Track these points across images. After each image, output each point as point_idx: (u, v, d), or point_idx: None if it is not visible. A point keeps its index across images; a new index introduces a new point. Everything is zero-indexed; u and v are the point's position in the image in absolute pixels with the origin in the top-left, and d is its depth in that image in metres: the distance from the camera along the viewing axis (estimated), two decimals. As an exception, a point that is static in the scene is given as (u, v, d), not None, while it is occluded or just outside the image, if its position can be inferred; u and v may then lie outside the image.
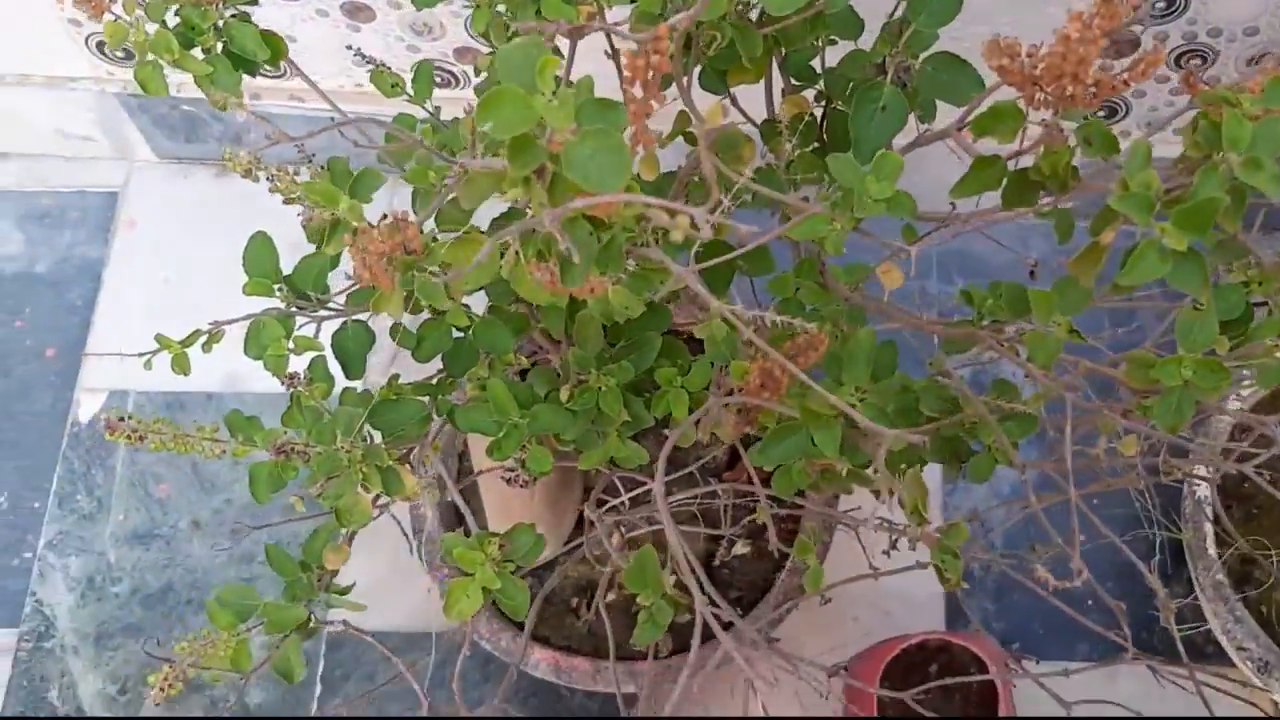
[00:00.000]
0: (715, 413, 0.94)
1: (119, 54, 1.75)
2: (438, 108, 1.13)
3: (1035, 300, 0.79)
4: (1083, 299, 0.79)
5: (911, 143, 0.91)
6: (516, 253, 0.77)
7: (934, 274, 1.87)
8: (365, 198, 0.82)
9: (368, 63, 1.09)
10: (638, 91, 0.65)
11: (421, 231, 0.77)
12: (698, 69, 0.94)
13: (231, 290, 1.82)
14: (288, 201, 0.97)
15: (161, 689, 0.77)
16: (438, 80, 1.75)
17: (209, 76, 0.92)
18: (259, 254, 0.94)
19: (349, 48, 1.13)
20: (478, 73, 1.10)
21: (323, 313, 0.97)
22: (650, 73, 0.64)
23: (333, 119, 1.37)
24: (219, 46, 0.93)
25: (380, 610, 1.25)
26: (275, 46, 0.96)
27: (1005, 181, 0.78)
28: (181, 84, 1.63)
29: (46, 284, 1.82)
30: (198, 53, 0.93)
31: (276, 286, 0.96)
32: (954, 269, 1.87)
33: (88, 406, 1.74)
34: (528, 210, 0.70)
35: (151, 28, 0.92)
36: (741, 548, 1.54)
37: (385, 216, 0.74)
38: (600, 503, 1.29)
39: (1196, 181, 0.64)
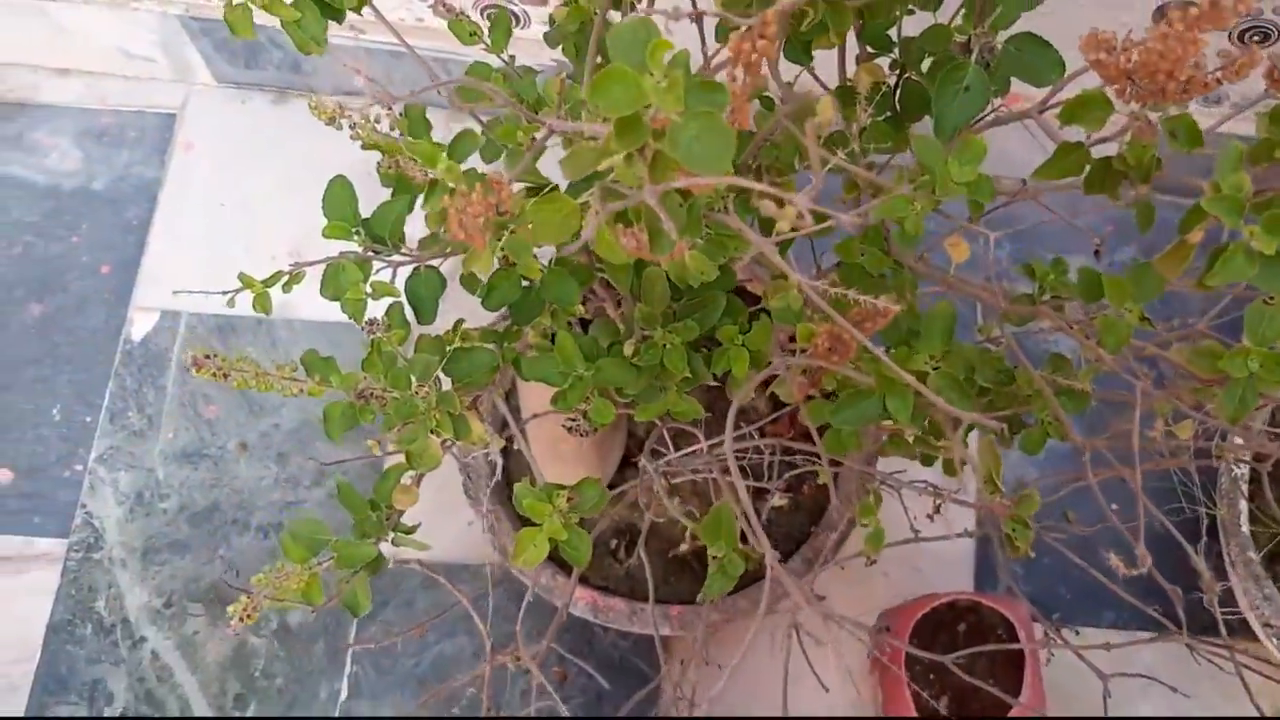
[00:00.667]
0: (782, 373, 0.96)
1: (184, -23, 1.76)
2: (512, 56, 1.14)
3: (1110, 287, 0.80)
4: (1156, 286, 0.80)
5: (990, 121, 0.92)
6: (598, 213, 0.79)
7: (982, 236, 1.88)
8: (463, 158, 0.83)
9: (447, 10, 1.10)
10: (739, 73, 0.66)
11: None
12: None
13: (285, 218, 1.85)
14: (367, 148, 0.98)
15: (241, 619, 0.80)
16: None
17: (296, 22, 0.93)
18: (338, 198, 0.95)
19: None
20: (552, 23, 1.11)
21: (397, 258, 0.99)
22: (754, 56, 0.65)
23: (393, 51, 1.37)
24: (308, -9, 0.94)
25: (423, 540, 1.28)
26: (362, -7, 0.97)
27: (1088, 168, 0.79)
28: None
29: (103, 201, 1.84)
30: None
31: (354, 230, 0.97)
32: (1003, 231, 1.87)
33: (141, 325, 1.77)
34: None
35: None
36: (779, 499, 1.57)
37: (482, 177, 0.75)
38: (653, 454, 1.32)
39: (1287, 186, 0.65)
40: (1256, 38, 1.59)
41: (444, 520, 1.58)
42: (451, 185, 0.77)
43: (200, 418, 1.71)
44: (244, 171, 1.85)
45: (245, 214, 1.83)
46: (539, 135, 0.85)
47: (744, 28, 0.65)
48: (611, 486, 1.53)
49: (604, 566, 1.50)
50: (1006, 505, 0.88)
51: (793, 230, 0.63)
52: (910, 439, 0.93)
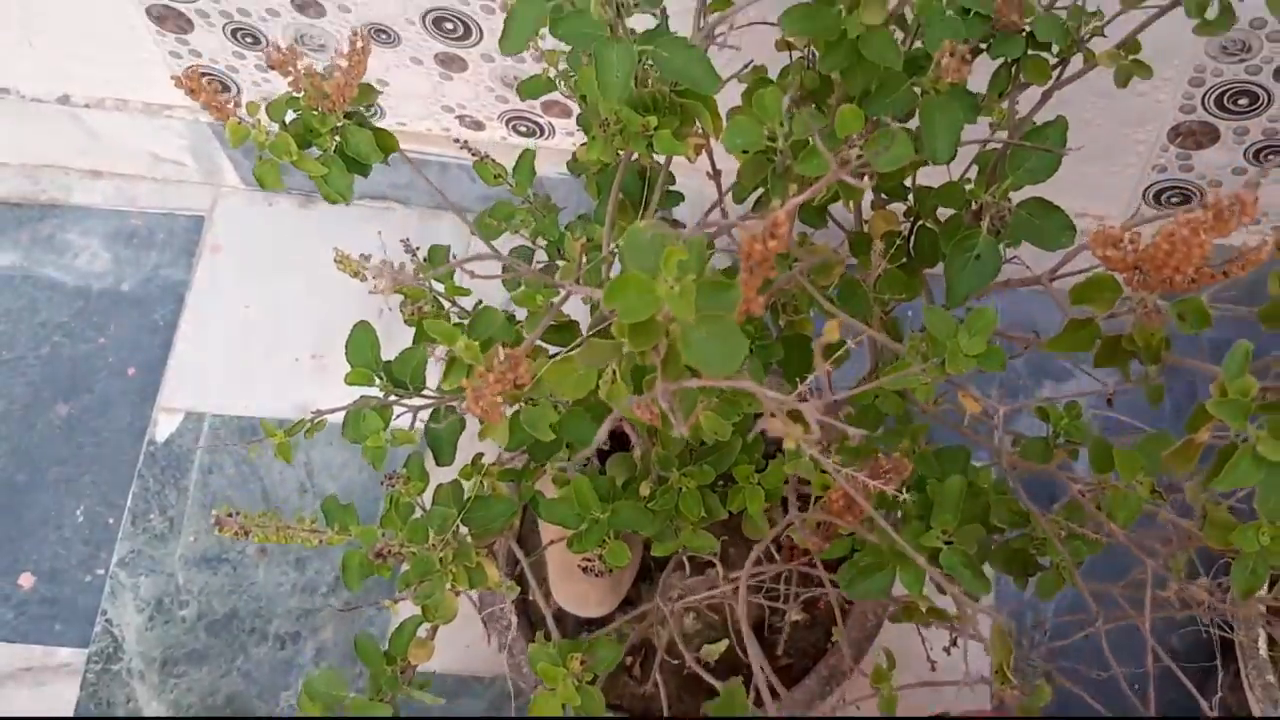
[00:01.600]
0: (796, 525, 0.97)
1: (214, 87, 1.79)
2: (541, 195, 1.15)
3: (1121, 461, 0.81)
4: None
5: (1002, 283, 0.93)
6: (613, 378, 0.80)
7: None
8: (482, 336, 0.85)
9: (472, 153, 1.12)
10: (751, 270, 0.68)
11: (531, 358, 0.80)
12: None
13: (309, 319, 1.87)
14: (389, 294, 1.00)
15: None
16: (523, 130, 1.78)
17: (324, 178, 0.95)
18: (361, 344, 0.97)
19: (456, 141, 1.18)
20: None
21: (418, 400, 1.00)
22: (766, 255, 0.67)
23: (466, 143, 1.40)
24: (333, 147, 0.96)
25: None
26: (388, 145, 0.99)
27: (1098, 344, 0.81)
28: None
29: (131, 302, 1.87)
30: (313, 152, 0.97)
31: (377, 375, 0.99)
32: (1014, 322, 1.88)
33: (165, 426, 1.79)
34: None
35: (273, 127, 0.96)
36: (795, 614, 1.57)
37: (500, 354, 0.77)
38: (673, 572, 1.33)
39: (1291, 392, 0.66)
40: (1272, 155, 1.60)
41: (457, 631, 1.59)
42: (470, 363, 0.79)
43: (221, 522, 1.72)
44: (270, 273, 1.88)
45: (270, 316, 1.85)
46: (556, 301, 0.87)
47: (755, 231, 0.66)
48: (628, 600, 1.53)
49: (619, 685, 1.50)
50: (1018, 695, 0.89)
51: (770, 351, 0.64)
52: (924, 609, 0.93)
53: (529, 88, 1.09)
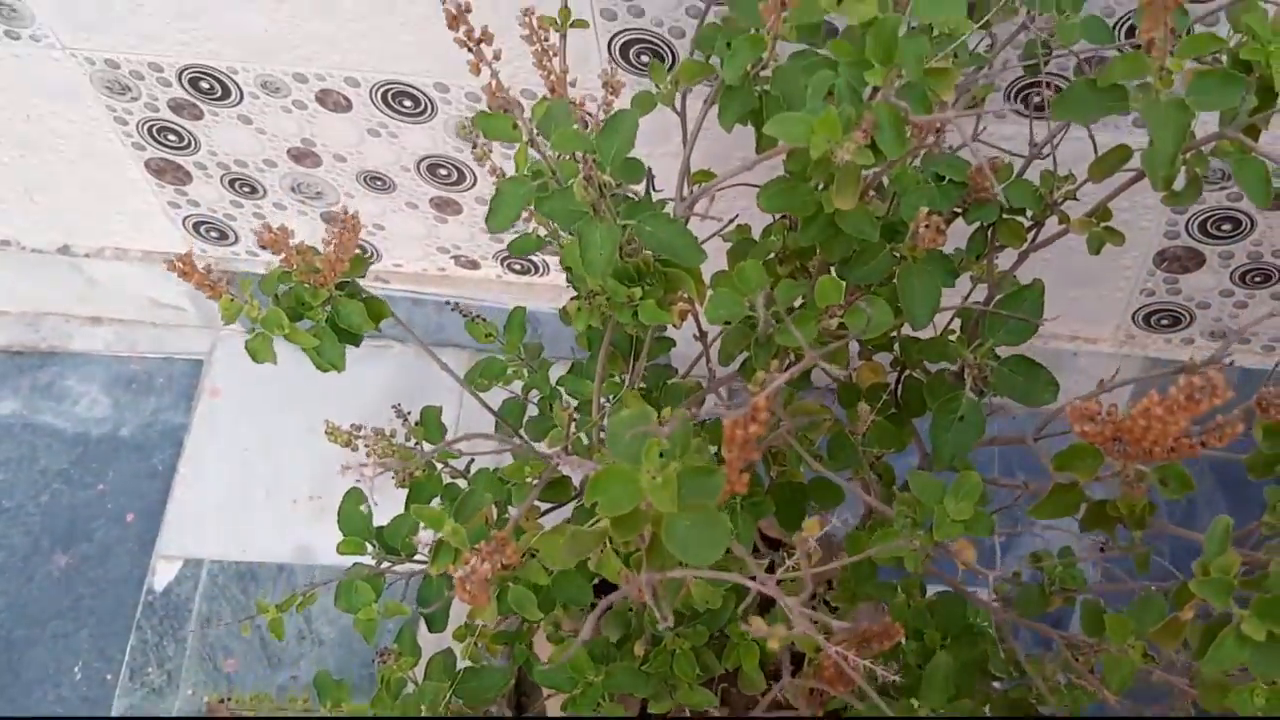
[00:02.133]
0: (790, 689, 0.96)
1: (213, 234, 1.82)
2: (534, 343, 1.17)
3: (1112, 626, 0.80)
4: (1158, 617, 0.81)
5: (987, 441, 0.94)
6: (603, 550, 0.81)
7: (995, 466, 1.89)
8: (468, 519, 0.86)
9: (462, 314, 1.14)
10: (734, 452, 0.68)
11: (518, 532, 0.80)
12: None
13: (307, 460, 1.87)
14: (381, 461, 1.01)
15: None
16: (517, 268, 1.80)
17: (316, 349, 0.97)
18: (351, 514, 0.98)
19: (447, 303, 1.21)
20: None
21: (410, 566, 1.00)
22: (748, 439, 0.67)
23: (456, 304, 1.42)
24: (325, 319, 0.98)
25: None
26: (379, 314, 1.00)
27: (1084, 509, 0.81)
28: (270, 261, 1.71)
29: (130, 448, 1.87)
30: (306, 323, 0.98)
31: (369, 542, 0.99)
32: (1014, 463, 1.88)
33: (163, 574, 1.79)
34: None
35: (265, 300, 0.98)
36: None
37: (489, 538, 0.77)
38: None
39: (1274, 570, 0.66)
40: (1258, 279, 1.62)
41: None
42: (458, 549, 0.79)
43: (219, 672, 1.71)
44: (268, 415, 1.89)
45: (268, 458, 1.86)
46: (544, 475, 0.87)
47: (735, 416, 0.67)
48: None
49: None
50: None
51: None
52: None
53: (519, 246, 1.11)
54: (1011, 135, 1.33)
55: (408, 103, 1.53)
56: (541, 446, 1.03)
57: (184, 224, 1.81)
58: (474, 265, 1.81)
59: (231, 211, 1.77)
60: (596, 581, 1.15)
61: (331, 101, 1.55)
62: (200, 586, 1.77)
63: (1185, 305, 1.69)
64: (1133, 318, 1.72)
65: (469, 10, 0.76)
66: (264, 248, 0.92)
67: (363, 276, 1.00)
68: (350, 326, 0.97)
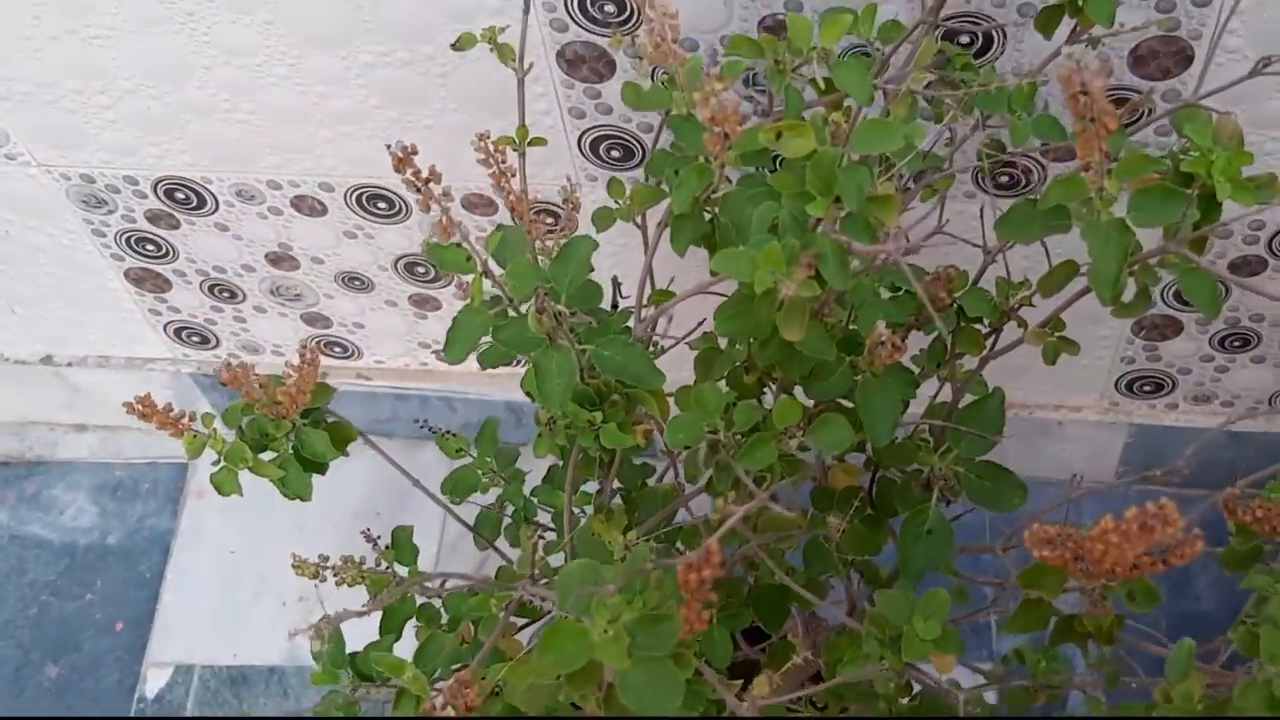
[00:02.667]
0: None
1: (194, 339, 1.83)
2: (509, 449, 1.17)
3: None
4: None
5: (959, 549, 0.94)
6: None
7: (987, 535, 1.88)
8: (431, 668, 0.85)
9: (431, 431, 1.14)
10: (690, 594, 0.68)
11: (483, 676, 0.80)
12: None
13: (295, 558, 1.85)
14: (353, 585, 1.01)
15: None
16: (498, 361, 1.81)
17: (281, 480, 0.96)
18: (333, 653, 0.97)
19: (416, 422, 1.22)
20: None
21: (384, 693, 1.00)
22: (702, 582, 0.67)
23: (426, 422, 1.42)
24: (289, 449, 0.98)
25: None
26: (345, 438, 1.00)
27: (1054, 624, 0.80)
28: (257, 363, 1.71)
29: (118, 556, 1.87)
30: (269, 454, 0.98)
31: (342, 671, 0.99)
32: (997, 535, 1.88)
33: (154, 681, 1.78)
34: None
35: (229, 434, 0.98)
36: None
37: (450, 681, 0.77)
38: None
39: (1236, 697, 0.66)
40: (1236, 343, 1.62)
41: None
42: (419, 695, 0.79)
43: (212, 779, 1.70)
44: (254, 515, 1.89)
45: (256, 559, 1.85)
46: (510, 605, 0.87)
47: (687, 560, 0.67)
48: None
49: None
50: None
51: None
52: None
53: (487, 358, 1.11)
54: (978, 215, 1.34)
55: (382, 204, 1.54)
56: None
57: (165, 330, 1.81)
58: (455, 359, 1.81)
59: (212, 316, 1.78)
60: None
61: (307, 206, 1.56)
62: (192, 693, 1.76)
63: (1167, 371, 1.69)
64: (1116, 385, 1.72)
65: (415, 152, 0.77)
66: (224, 384, 0.92)
67: (327, 404, 1.00)
68: (315, 456, 0.97)
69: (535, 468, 1.24)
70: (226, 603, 1.82)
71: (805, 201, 0.70)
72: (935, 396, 1.04)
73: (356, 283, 1.68)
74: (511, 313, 0.85)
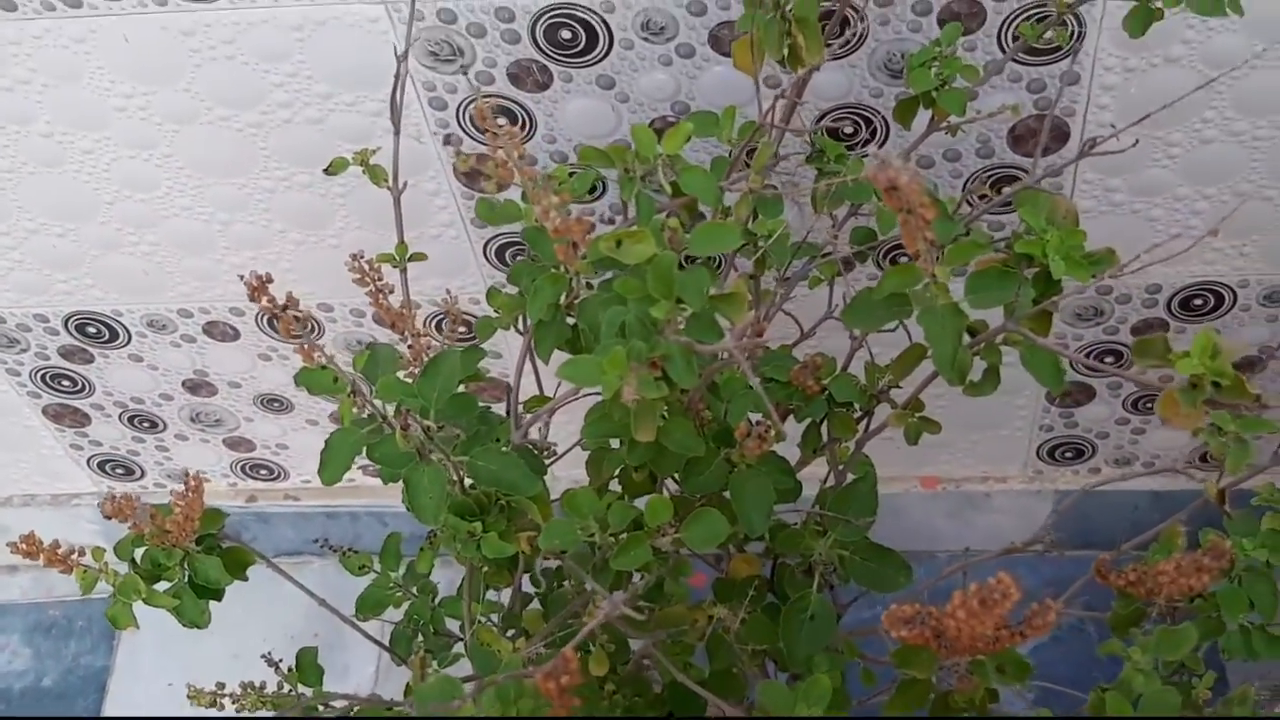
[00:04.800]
0: None
1: (119, 471, 1.82)
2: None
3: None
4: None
5: (846, 635, 0.94)
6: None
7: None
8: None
9: (332, 550, 1.14)
10: (553, 701, 0.69)
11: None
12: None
13: (232, 686, 1.83)
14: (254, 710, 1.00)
15: None
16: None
17: (176, 609, 0.96)
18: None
19: (315, 540, 1.23)
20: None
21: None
22: (563, 689, 0.68)
23: (325, 540, 1.42)
24: (185, 576, 0.98)
25: None
26: (241, 563, 1.01)
27: (931, 702, 0.81)
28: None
29: (53, 697, 1.85)
30: (164, 585, 0.98)
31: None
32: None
33: (94, 825, 1.75)
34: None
35: (121, 567, 0.98)
36: None
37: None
38: None
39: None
40: (1149, 404, 1.64)
41: None
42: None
43: None
44: (191, 645, 1.84)
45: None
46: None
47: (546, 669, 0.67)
48: None
49: None
50: None
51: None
52: None
53: (388, 474, 1.12)
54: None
55: (293, 325, 1.55)
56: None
57: (89, 464, 1.81)
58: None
59: (134, 447, 1.78)
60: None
61: (219, 332, 1.57)
62: (132, 832, 1.73)
63: (1085, 437, 1.71)
64: (1038, 453, 1.74)
65: (269, 280, 0.78)
66: (109, 518, 0.92)
67: (221, 528, 1.00)
68: (209, 583, 0.97)
69: (451, 580, 1.24)
70: (164, 737, 1.79)
71: (649, 305, 0.72)
72: (825, 481, 1.05)
73: (276, 404, 1.69)
74: (386, 429, 0.86)
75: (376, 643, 1.13)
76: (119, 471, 1.82)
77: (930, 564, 1.76)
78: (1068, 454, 1.74)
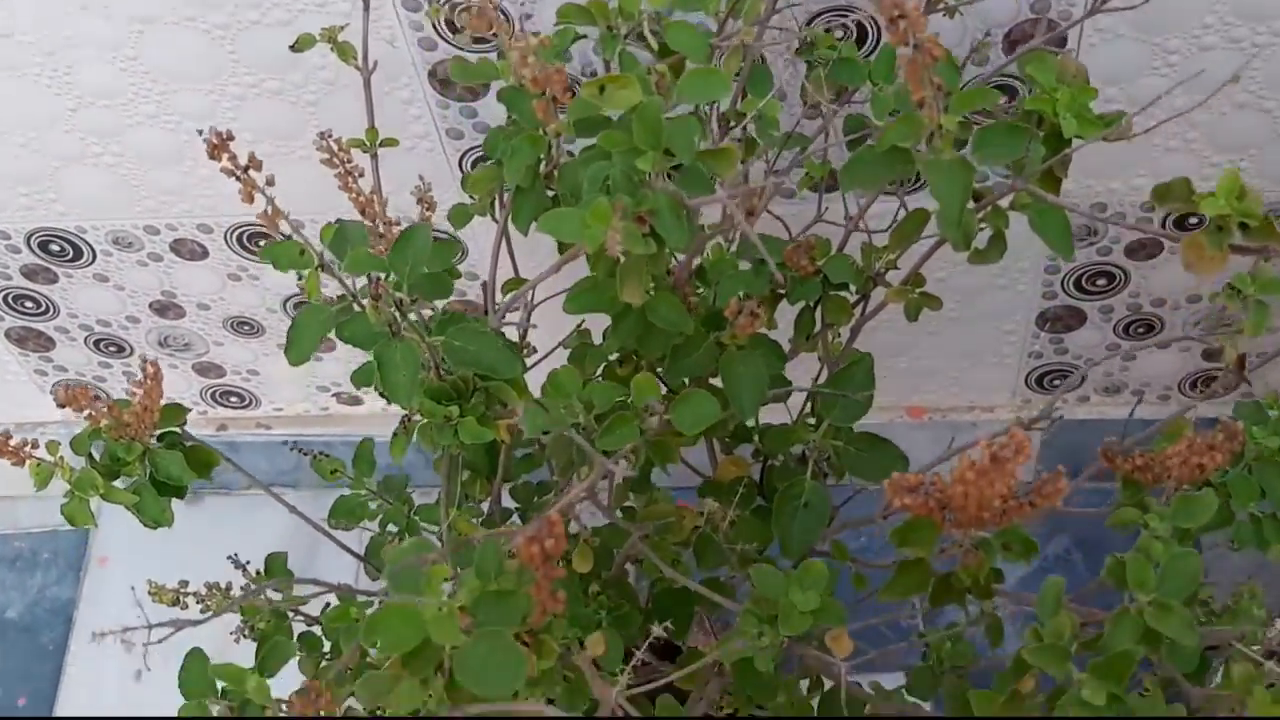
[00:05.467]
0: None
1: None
2: (399, 475, 1.13)
3: (978, 702, 0.76)
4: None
5: (840, 526, 0.90)
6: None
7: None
8: (274, 673, 0.81)
9: (303, 453, 1.10)
10: (536, 568, 0.64)
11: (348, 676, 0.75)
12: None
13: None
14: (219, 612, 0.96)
15: None
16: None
17: (136, 505, 0.92)
18: (193, 675, 0.92)
19: (286, 443, 1.18)
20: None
21: None
22: (546, 557, 0.63)
23: (296, 444, 1.38)
24: (146, 473, 0.93)
25: None
26: (205, 461, 0.96)
27: (932, 584, 0.77)
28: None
29: (18, 629, 1.80)
30: (124, 481, 0.94)
31: (214, 701, 0.94)
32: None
33: (60, 757, 1.70)
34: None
35: (78, 462, 0.93)
36: None
37: (301, 691, 0.72)
38: None
39: (1108, 630, 0.63)
40: (1141, 329, 1.61)
41: None
42: (263, 705, 0.74)
43: None
44: (160, 579, 1.82)
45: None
46: (369, 612, 0.82)
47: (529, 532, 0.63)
48: None
49: None
50: None
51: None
52: None
53: (359, 377, 1.07)
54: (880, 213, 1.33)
55: (264, 243, 1.50)
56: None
57: (53, 390, 1.76)
58: (356, 401, 1.77)
59: (101, 373, 1.73)
60: None
61: (187, 250, 1.52)
62: (99, 766, 1.68)
63: (1074, 363, 1.67)
64: (1026, 381, 1.71)
65: (230, 138, 0.74)
66: (63, 406, 0.87)
67: (183, 424, 0.95)
68: (170, 479, 0.92)
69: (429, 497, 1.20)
70: (133, 671, 1.75)
71: (635, 157, 0.67)
72: (816, 379, 1.01)
73: (246, 327, 1.64)
74: (356, 309, 0.81)
75: (352, 553, 1.09)
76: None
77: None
78: (1056, 381, 1.71)
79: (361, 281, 0.82)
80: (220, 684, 0.96)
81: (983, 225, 0.74)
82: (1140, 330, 1.61)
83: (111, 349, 1.68)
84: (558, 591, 0.65)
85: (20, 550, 1.86)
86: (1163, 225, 1.44)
